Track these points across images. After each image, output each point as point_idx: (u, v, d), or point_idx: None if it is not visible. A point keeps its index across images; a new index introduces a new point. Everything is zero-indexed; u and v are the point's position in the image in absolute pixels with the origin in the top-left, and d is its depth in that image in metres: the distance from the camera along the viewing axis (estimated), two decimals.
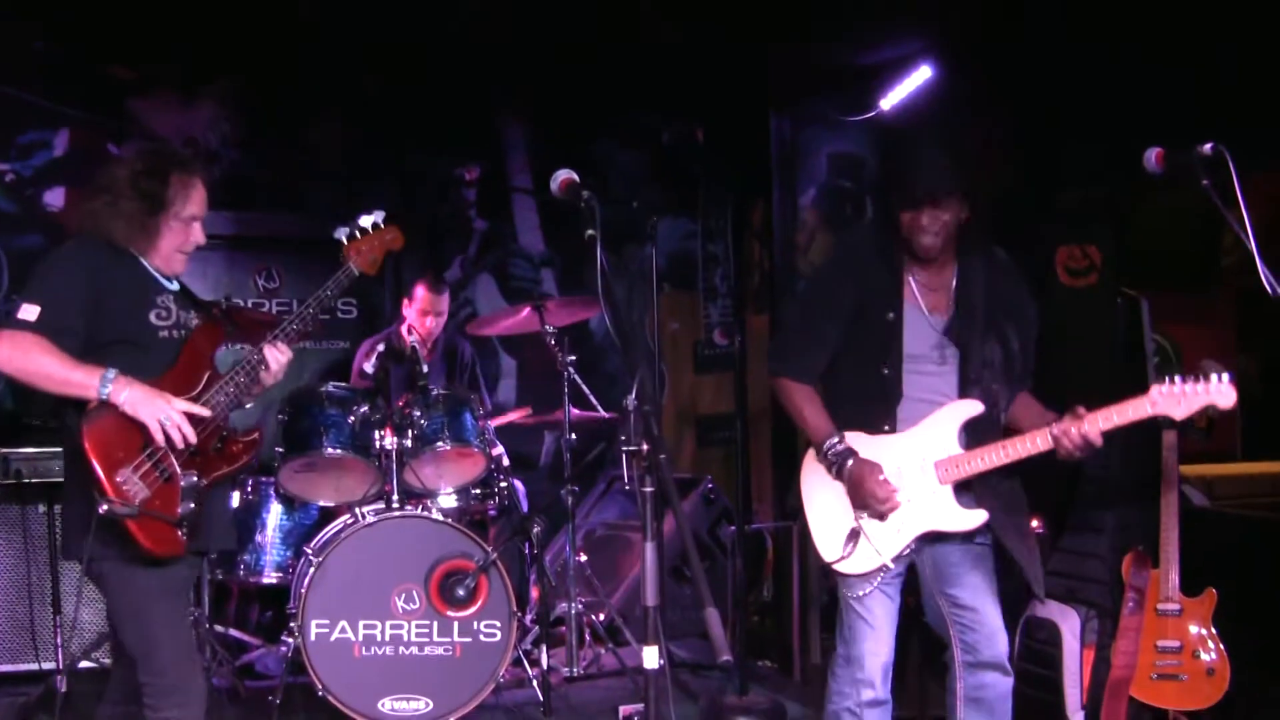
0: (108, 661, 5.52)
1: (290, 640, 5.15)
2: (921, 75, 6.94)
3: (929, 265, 3.81)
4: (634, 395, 2.88)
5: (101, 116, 7.01)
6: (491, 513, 6.07)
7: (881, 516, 3.71)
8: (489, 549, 5.23)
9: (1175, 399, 3.49)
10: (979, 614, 3.81)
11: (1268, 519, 5.37)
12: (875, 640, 3.80)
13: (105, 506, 3.33)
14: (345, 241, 3.97)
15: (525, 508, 6.31)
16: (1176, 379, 3.49)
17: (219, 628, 5.86)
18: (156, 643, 3.52)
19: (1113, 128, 6.02)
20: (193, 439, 3.48)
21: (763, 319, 8.04)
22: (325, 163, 7.48)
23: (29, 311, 3.43)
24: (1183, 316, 7.06)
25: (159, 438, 3.43)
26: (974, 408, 3.72)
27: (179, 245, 3.69)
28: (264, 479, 5.71)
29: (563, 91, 7.58)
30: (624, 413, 2.88)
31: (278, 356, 3.72)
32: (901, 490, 3.71)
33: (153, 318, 3.61)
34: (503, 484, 5.95)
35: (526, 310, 6.03)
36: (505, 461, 6.03)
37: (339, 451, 5.30)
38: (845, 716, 3.83)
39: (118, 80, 7.03)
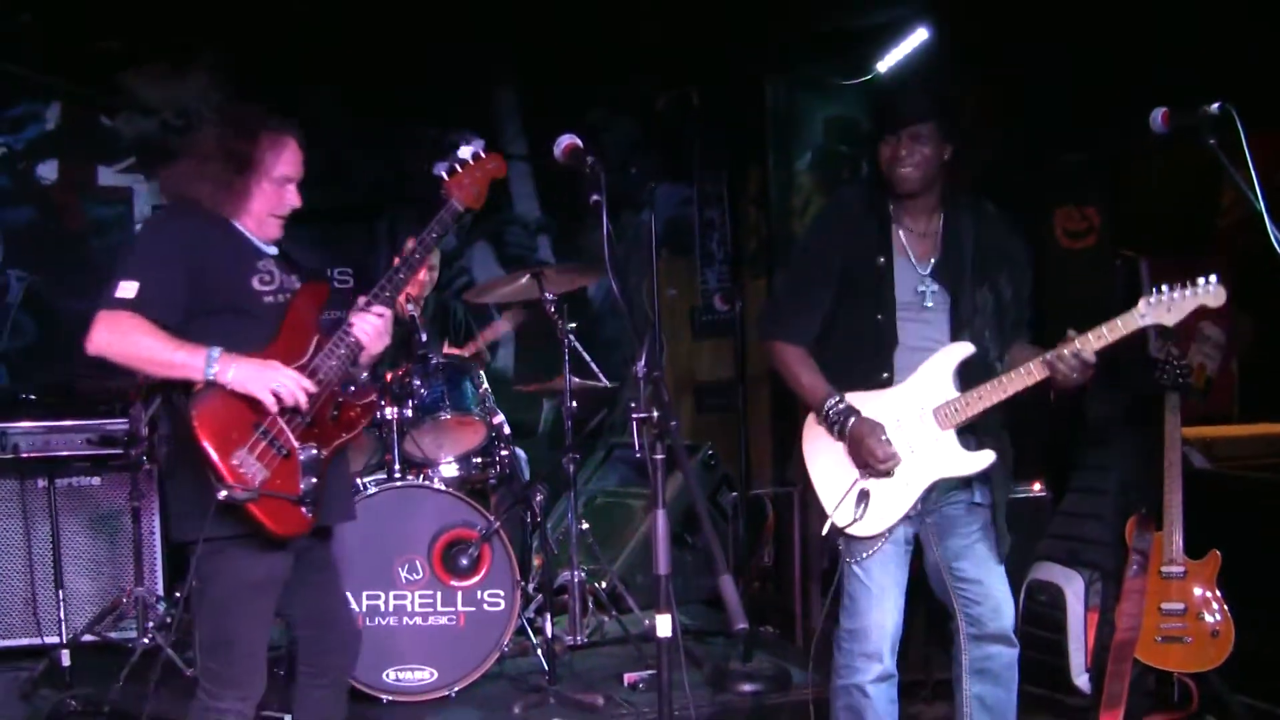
0: (112, 635, 5.55)
1: None
2: (918, 38, 6.89)
3: (915, 213, 3.79)
4: (642, 362, 2.86)
5: (93, 89, 6.95)
6: (492, 481, 6.04)
7: (886, 474, 3.68)
8: (491, 518, 5.22)
9: (1164, 306, 3.46)
10: (984, 586, 3.78)
11: (1272, 480, 5.37)
12: (881, 610, 3.74)
13: (224, 493, 3.16)
14: (445, 177, 3.71)
15: (526, 476, 6.30)
16: (1164, 287, 3.46)
17: None
18: (233, 638, 3.39)
19: (1113, 89, 5.99)
20: (311, 393, 3.33)
21: (760, 284, 8.02)
22: (317, 132, 7.41)
23: (127, 289, 3.25)
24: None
25: (277, 406, 3.27)
26: (965, 349, 3.69)
27: (272, 208, 3.52)
28: None
29: (557, 58, 7.52)
30: (630, 379, 2.86)
31: (373, 320, 3.54)
32: (905, 442, 3.68)
33: (255, 283, 3.44)
34: (504, 452, 5.92)
35: (525, 277, 5.98)
36: (506, 430, 6.00)
37: None
38: (854, 693, 3.77)
39: (108, 52, 6.96)
